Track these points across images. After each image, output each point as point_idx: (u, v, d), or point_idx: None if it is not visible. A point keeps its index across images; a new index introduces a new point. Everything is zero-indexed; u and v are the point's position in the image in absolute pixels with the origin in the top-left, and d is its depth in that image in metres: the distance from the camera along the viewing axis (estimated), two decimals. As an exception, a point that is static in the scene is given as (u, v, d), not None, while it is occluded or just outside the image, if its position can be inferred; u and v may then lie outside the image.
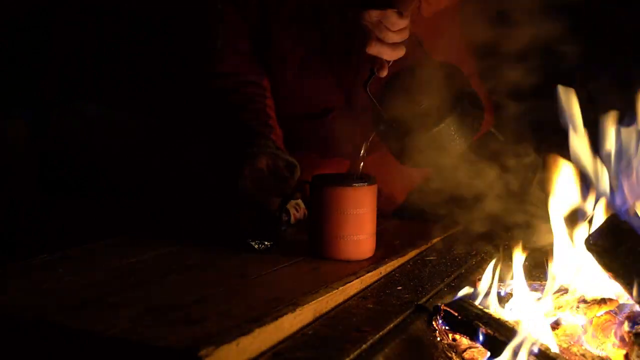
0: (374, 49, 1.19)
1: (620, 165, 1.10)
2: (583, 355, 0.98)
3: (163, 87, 2.49)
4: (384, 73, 1.22)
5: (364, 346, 0.88)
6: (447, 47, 1.56)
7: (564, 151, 1.23)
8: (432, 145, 1.23)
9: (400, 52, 1.21)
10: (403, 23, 1.19)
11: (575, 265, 1.13)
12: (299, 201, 1.45)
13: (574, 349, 1.00)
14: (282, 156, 1.42)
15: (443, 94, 1.23)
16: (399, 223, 1.56)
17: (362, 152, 1.25)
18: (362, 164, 1.26)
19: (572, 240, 1.12)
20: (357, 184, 1.20)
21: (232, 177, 1.41)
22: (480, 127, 1.27)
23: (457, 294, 1.06)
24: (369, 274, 1.14)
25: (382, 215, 1.57)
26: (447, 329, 1.00)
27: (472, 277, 1.21)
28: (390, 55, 1.21)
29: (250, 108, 1.54)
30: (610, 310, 1.04)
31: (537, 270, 1.21)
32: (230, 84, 1.59)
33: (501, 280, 1.14)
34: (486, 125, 1.80)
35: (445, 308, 1.00)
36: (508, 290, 1.13)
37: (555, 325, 1.05)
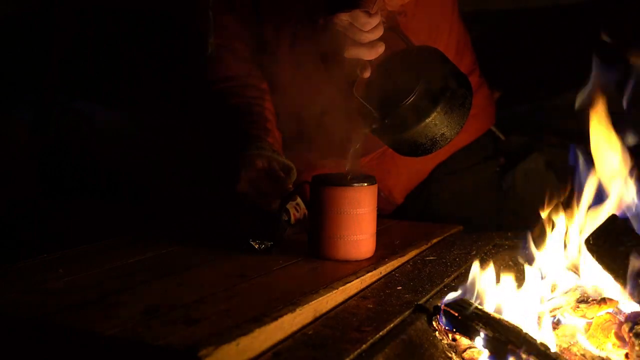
0: (352, 52, 1.18)
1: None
2: (583, 355, 0.98)
3: (163, 87, 2.49)
4: (367, 74, 1.20)
5: (364, 346, 0.88)
6: (445, 48, 1.57)
7: (564, 151, 1.23)
8: (428, 135, 1.22)
9: (379, 50, 1.19)
10: (374, 21, 1.17)
11: (576, 265, 1.13)
12: (299, 201, 1.45)
13: (574, 349, 1.00)
14: (277, 159, 1.42)
15: (428, 80, 1.21)
16: (399, 223, 1.56)
17: (355, 148, 1.25)
18: (354, 164, 1.26)
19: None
20: (357, 184, 1.20)
21: (229, 180, 1.41)
22: (470, 105, 1.25)
23: (457, 294, 1.06)
24: (369, 274, 1.14)
25: (381, 215, 1.57)
26: (447, 329, 1.00)
27: (472, 277, 1.21)
28: (369, 54, 1.19)
29: (249, 111, 1.54)
30: (610, 310, 1.04)
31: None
32: (229, 88, 1.59)
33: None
34: (488, 122, 1.80)
35: (445, 308, 1.00)
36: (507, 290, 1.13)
37: (555, 325, 1.05)
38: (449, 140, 1.24)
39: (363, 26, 1.16)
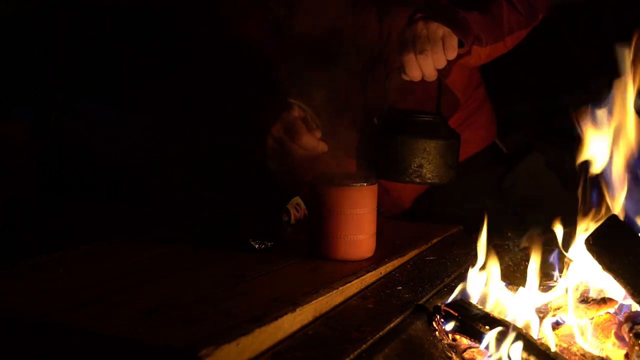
0: (424, 60, 1.24)
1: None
2: (583, 355, 0.98)
3: (163, 87, 2.49)
4: (418, 78, 1.27)
5: (364, 346, 0.88)
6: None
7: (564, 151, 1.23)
8: (410, 155, 1.27)
9: (434, 76, 1.28)
10: (455, 53, 1.26)
11: (576, 265, 1.13)
12: (299, 201, 1.46)
13: (574, 349, 1.00)
14: (311, 112, 1.44)
15: (438, 127, 1.31)
16: (399, 223, 1.56)
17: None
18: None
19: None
20: (357, 184, 1.20)
21: (261, 136, 1.42)
22: (450, 180, 1.33)
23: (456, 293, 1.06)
24: (369, 274, 1.14)
25: (388, 217, 1.57)
26: (447, 329, 1.00)
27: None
28: (430, 73, 1.26)
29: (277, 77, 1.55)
30: (610, 310, 1.04)
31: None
32: (251, 51, 1.60)
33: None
34: (491, 136, 1.81)
35: (445, 308, 1.00)
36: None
37: (556, 325, 1.05)
38: (418, 179, 1.29)
39: (449, 48, 1.25)
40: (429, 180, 1.30)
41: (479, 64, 1.56)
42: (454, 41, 1.26)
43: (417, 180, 1.29)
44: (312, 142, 1.37)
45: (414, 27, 1.27)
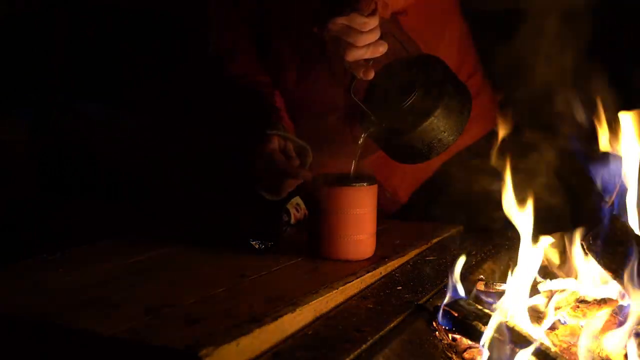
0: (354, 55, 1.17)
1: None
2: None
3: (163, 87, 2.49)
4: (371, 75, 1.19)
5: (364, 346, 0.88)
6: (447, 48, 1.56)
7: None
8: (425, 139, 1.22)
9: (381, 49, 1.19)
10: (372, 21, 1.17)
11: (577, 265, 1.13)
12: (299, 201, 1.46)
13: (574, 349, 1.00)
14: (293, 139, 1.41)
15: (426, 86, 1.21)
16: (399, 223, 1.56)
17: (356, 154, 1.24)
18: (356, 163, 1.26)
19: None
20: (357, 184, 1.20)
21: (245, 158, 1.41)
22: (469, 113, 1.25)
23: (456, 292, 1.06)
24: (369, 274, 1.14)
25: (386, 215, 1.56)
26: (447, 329, 1.00)
27: (472, 277, 1.20)
28: (372, 52, 1.18)
29: (262, 101, 1.54)
30: (610, 310, 1.04)
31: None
32: (243, 83, 1.60)
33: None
34: (491, 124, 1.80)
35: (445, 308, 1.00)
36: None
37: (555, 325, 1.05)
38: (446, 147, 1.23)
39: (361, 27, 1.15)
40: (453, 141, 1.24)
41: (402, 5, 1.42)
42: (358, 18, 1.15)
43: (445, 149, 1.24)
44: (293, 172, 1.36)
45: (322, 37, 1.21)
